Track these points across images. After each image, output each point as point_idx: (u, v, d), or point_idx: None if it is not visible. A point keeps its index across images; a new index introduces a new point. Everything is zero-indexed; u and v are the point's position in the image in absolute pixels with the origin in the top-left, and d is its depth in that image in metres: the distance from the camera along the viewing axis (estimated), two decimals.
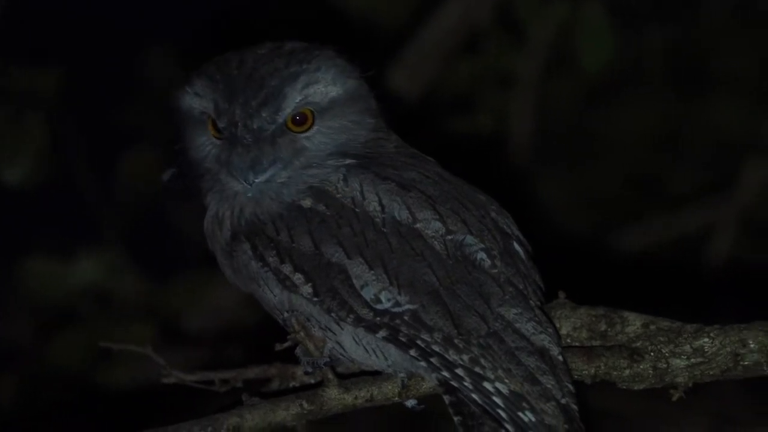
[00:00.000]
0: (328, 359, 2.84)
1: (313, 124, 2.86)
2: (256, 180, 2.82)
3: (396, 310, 2.75)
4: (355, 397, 2.83)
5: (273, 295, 2.83)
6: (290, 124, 2.85)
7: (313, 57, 2.88)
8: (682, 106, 6.30)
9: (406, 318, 2.75)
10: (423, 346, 2.74)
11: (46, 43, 5.55)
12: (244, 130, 2.81)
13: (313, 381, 2.89)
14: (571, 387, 2.75)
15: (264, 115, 2.81)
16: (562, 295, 2.94)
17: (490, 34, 5.46)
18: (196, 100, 2.88)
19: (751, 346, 2.86)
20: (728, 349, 2.87)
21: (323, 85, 2.86)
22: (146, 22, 5.83)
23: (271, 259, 2.80)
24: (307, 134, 2.86)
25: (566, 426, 2.71)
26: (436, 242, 2.78)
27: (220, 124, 2.84)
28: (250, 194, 2.84)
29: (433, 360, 2.74)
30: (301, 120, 2.85)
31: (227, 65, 2.86)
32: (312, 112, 2.86)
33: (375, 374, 2.86)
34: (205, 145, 2.90)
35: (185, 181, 2.96)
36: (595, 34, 5.22)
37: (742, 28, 6.26)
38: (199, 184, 2.94)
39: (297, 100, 2.83)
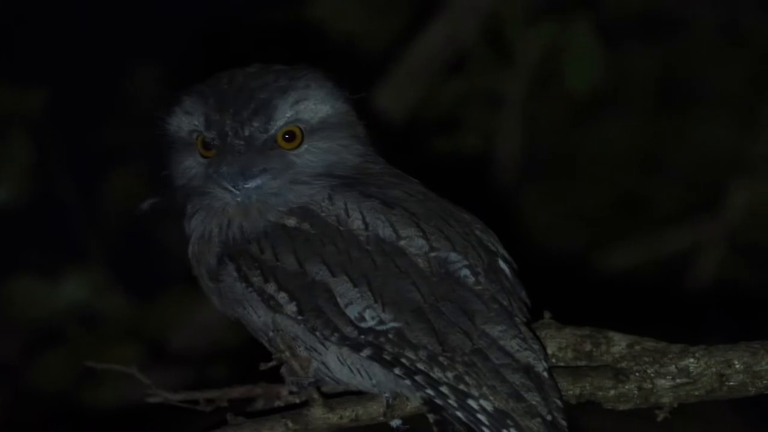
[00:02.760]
0: (313, 379, 2.83)
1: (303, 142, 2.86)
2: (246, 186, 2.81)
3: (380, 328, 2.73)
4: (340, 417, 2.82)
5: (258, 317, 2.81)
6: (280, 141, 2.84)
7: (302, 75, 2.88)
8: (668, 125, 6.31)
9: (390, 336, 2.73)
10: (407, 364, 2.72)
11: (31, 61, 5.55)
12: (234, 137, 2.80)
13: (298, 401, 2.88)
14: (559, 402, 2.74)
15: (255, 124, 2.80)
16: (547, 314, 2.92)
17: (476, 54, 5.46)
18: (185, 118, 2.88)
19: (737, 366, 2.84)
20: (713, 369, 2.85)
21: (313, 102, 2.87)
22: (131, 41, 5.83)
23: (255, 279, 2.79)
24: (296, 152, 2.86)
25: None
26: (419, 259, 2.77)
27: (210, 136, 2.83)
28: (239, 199, 2.82)
29: (417, 378, 2.73)
30: (291, 137, 2.85)
31: (217, 82, 2.86)
32: (301, 130, 2.86)
33: (360, 394, 2.84)
34: (191, 167, 2.89)
35: (169, 208, 2.95)
36: (582, 54, 5.23)
37: (727, 47, 6.28)
38: (183, 211, 2.92)
39: (288, 115, 2.84)
